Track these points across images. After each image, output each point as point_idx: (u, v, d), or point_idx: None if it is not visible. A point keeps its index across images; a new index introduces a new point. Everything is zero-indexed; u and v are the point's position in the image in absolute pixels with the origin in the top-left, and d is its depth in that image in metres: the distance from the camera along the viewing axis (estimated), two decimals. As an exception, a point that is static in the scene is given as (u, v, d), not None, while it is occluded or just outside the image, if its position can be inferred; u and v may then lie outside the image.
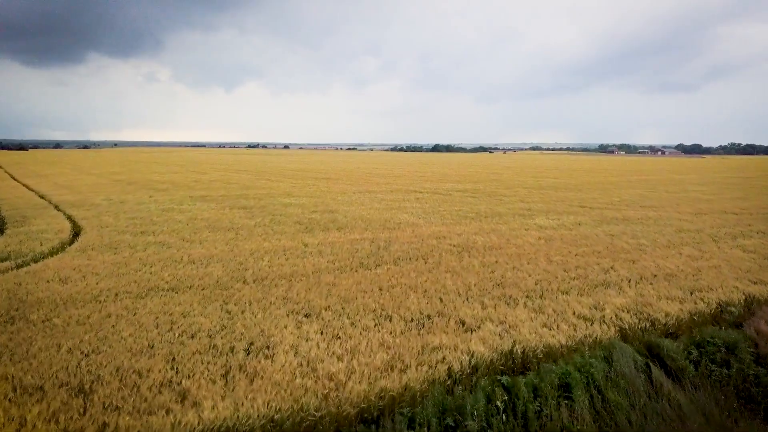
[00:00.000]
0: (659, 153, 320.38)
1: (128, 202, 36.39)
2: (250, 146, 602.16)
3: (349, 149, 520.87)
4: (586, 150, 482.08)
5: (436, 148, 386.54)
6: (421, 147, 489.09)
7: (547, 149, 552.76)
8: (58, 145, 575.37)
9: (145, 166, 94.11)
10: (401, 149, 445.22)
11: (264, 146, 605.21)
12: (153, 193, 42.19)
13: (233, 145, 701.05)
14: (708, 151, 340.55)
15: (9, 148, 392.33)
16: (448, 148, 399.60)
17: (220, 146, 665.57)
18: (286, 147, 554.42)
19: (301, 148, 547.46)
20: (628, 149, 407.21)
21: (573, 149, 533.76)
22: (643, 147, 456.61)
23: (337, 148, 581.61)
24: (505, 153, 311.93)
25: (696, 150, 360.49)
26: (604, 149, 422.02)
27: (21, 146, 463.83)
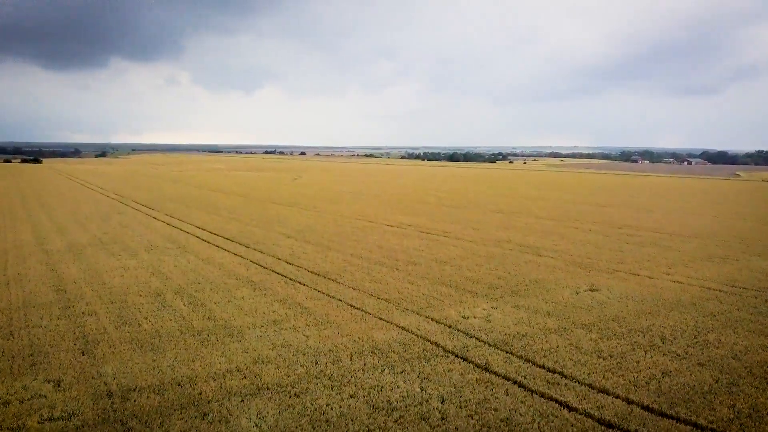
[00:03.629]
0: (684, 162, 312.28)
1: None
2: (267, 152, 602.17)
3: (366, 155, 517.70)
4: (607, 157, 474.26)
5: (454, 157, 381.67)
6: (439, 154, 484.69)
7: (567, 155, 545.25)
8: (77, 150, 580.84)
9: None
10: (418, 156, 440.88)
11: (281, 151, 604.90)
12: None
13: (250, 150, 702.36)
14: (735, 160, 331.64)
15: (26, 153, 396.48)
16: (466, 156, 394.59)
17: (237, 151, 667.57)
18: (302, 153, 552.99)
19: (317, 153, 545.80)
20: (652, 156, 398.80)
21: (593, 155, 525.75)
22: (667, 154, 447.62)
23: (353, 153, 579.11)
24: (525, 163, 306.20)
25: (722, 158, 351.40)
26: (626, 157, 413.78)
27: (40, 152, 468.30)
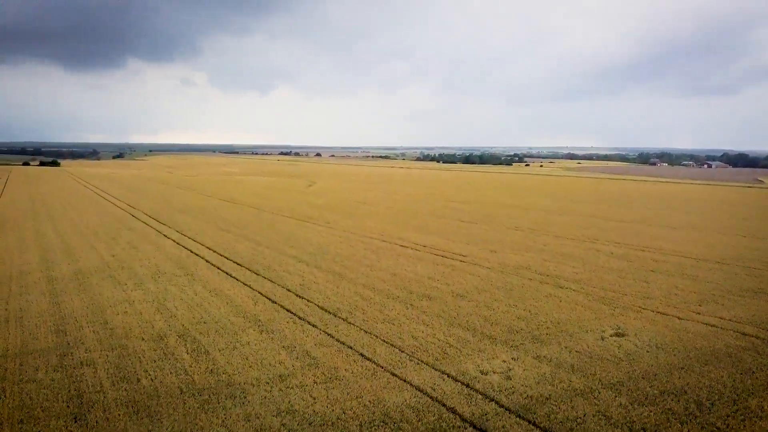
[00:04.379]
0: (704, 165, 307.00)
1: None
2: (283, 153, 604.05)
3: (380, 156, 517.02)
4: (624, 159, 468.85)
5: (469, 159, 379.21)
6: (454, 155, 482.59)
7: (583, 156, 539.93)
8: (95, 150, 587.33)
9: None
10: (433, 158, 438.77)
11: (296, 152, 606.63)
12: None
13: (265, 150, 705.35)
14: (756, 162, 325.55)
15: (45, 154, 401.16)
16: (482, 158, 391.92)
17: (253, 152, 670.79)
18: (317, 154, 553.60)
19: (332, 155, 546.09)
20: (670, 159, 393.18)
21: (610, 157, 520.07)
22: (685, 156, 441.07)
23: (368, 155, 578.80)
24: (541, 166, 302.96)
25: (742, 161, 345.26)
26: (644, 159, 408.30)
27: (59, 153, 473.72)
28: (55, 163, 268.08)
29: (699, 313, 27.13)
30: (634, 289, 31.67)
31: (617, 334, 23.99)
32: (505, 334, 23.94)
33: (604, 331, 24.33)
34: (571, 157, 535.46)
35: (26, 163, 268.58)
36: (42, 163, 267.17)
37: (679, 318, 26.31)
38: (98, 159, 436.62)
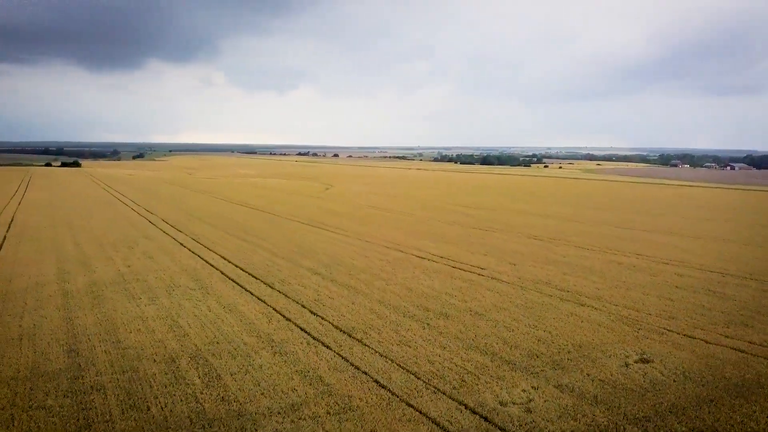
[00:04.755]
0: (727, 167, 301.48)
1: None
2: (301, 153, 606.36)
3: (397, 157, 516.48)
4: (644, 160, 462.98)
5: (487, 160, 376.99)
6: (472, 156, 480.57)
7: (602, 157, 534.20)
8: (116, 150, 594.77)
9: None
10: (450, 159, 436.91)
11: (314, 153, 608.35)
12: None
13: (284, 151, 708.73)
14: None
15: (68, 154, 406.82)
16: (500, 159, 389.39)
17: (271, 152, 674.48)
18: (335, 155, 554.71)
19: (350, 155, 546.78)
20: (692, 160, 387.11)
21: (630, 158, 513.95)
22: (707, 157, 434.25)
23: (385, 155, 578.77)
24: (560, 167, 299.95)
25: (766, 162, 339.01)
26: (665, 160, 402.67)
27: (81, 153, 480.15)
28: (76, 164, 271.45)
29: (727, 336, 26.09)
30: (658, 308, 30.66)
31: (642, 360, 23.10)
32: (525, 359, 23.18)
33: (628, 357, 23.46)
34: (590, 157, 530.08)
35: (48, 164, 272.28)
36: (63, 164, 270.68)
37: (706, 342, 25.30)
38: (119, 159, 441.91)
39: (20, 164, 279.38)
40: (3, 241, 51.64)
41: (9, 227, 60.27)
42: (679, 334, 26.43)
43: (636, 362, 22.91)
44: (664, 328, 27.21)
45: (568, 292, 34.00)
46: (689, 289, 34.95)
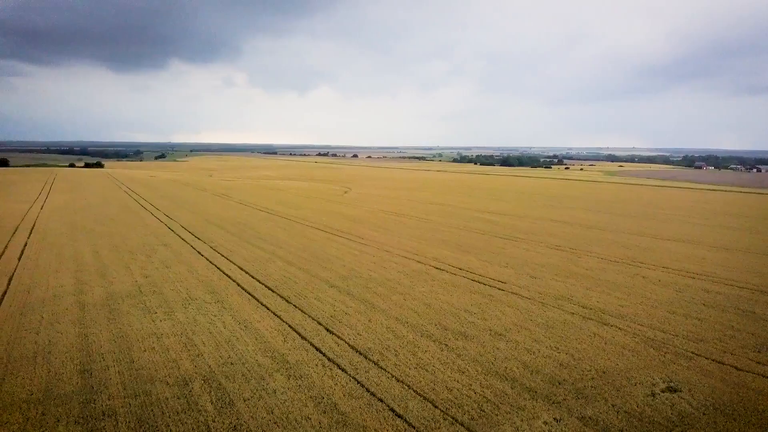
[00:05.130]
0: (753, 170, 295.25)
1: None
2: (320, 153, 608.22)
3: (417, 158, 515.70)
4: (667, 161, 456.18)
5: (507, 161, 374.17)
6: (491, 156, 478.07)
7: (624, 158, 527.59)
8: (138, 151, 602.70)
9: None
10: (470, 160, 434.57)
11: (334, 153, 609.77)
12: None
13: (303, 151, 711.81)
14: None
15: (92, 154, 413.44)
16: (520, 160, 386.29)
17: (291, 152, 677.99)
18: (354, 155, 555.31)
19: (369, 156, 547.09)
20: (717, 162, 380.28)
21: (652, 159, 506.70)
22: (732, 158, 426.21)
23: (404, 156, 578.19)
24: (582, 169, 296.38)
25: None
26: (689, 162, 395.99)
27: (104, 153, 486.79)
28: (99, 165, 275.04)
29: (759, 363, 25.04)
30: (686, 329, 29.62)
31: (669, 389, 22.18)
32: (546, 385, 22.39)
33: (654, 385, 22.56)
34: (612, 158, 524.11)
35: (72, 164, 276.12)
36: (87, 165, 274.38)
37: (736, 368, 24.29)
38: (141, 159, 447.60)
39: (45, 165, 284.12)
40: (24, 248, 52.03)
41: (30, 233, 60.79)
42: (707, 359, 25.43)
43: (663, 391, 22.01)
44: (692, 352, 26.21)
45: (590, 309, 33.05)
46: (717, 307, 33.78)
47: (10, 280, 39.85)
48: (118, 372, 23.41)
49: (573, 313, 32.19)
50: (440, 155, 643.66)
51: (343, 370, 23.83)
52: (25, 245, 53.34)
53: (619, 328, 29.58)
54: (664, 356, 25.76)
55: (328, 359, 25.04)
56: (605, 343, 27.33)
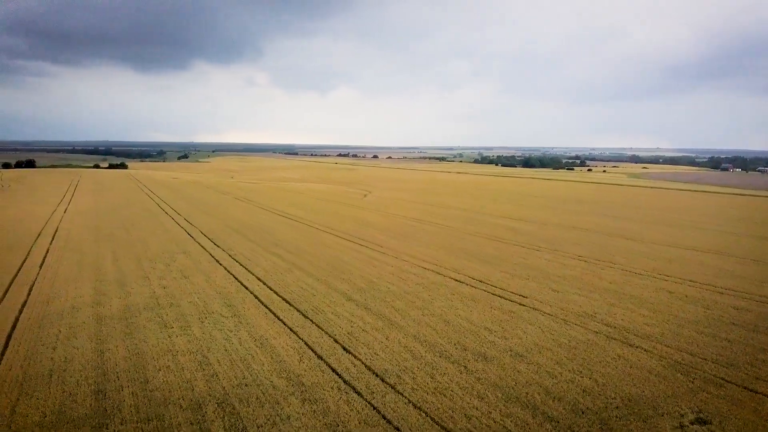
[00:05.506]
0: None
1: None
2: (341, 154, 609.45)
3: (437, 158, 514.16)
4: (692, 163, 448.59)
5: (529, 162, 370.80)
6: (513, 157, 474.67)
7: (648, 159, 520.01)
8: (161, 151, 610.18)
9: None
10: (491, 161, 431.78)
11: (354, 154, 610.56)
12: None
13: (324, 151, 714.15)
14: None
15: (116, 154, 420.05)
16: (542, 161, 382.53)
17: (312, 153, 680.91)
18: (375, 156, 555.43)
19: (389, 156, 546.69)
20: (744, 164, 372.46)
21: (677, 160, 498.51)
22: (760, 160, 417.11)
23: (425, 156, 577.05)
24: (605, 171, 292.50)
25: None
26: (715, 164, 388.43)
27: (128, 153, 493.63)
28: (122, 166, 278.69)
29: (794, 391, 23.90)
30: (715, 351, 28.53)
31: (698, 420, 21.25)
32: (569, 415, 21.60)
33: (683, 416, 21.63)
34: (636, 159, 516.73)
35: (96, 165, 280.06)
36: (111, 165, 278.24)
37: (770, 398, 23.22)
38: (164, 160, 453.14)
39: (70, 165, 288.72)
40: (46, 254, 52.50)
41: (53, 238, 61.42)
42: (738, 386, 24.38)
43: (692, 423, 21.09)
44: (722, 378, 25.18)
45: (615, 328, 32.07)
46: (748, 327, 32.55)
47: (30, 289, 40.14)
48: (132, 393, 23.17)
49: (597, 332, 31.26)
50: (461, 155, 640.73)
51: (359, 394, 23.30)
52: (47, 252, 53.83)
53: (645, 350, 28.60)
54: (693, 382, 24.78)
55: (344, 381, 24.54)
56: (630, 367, 26.41)
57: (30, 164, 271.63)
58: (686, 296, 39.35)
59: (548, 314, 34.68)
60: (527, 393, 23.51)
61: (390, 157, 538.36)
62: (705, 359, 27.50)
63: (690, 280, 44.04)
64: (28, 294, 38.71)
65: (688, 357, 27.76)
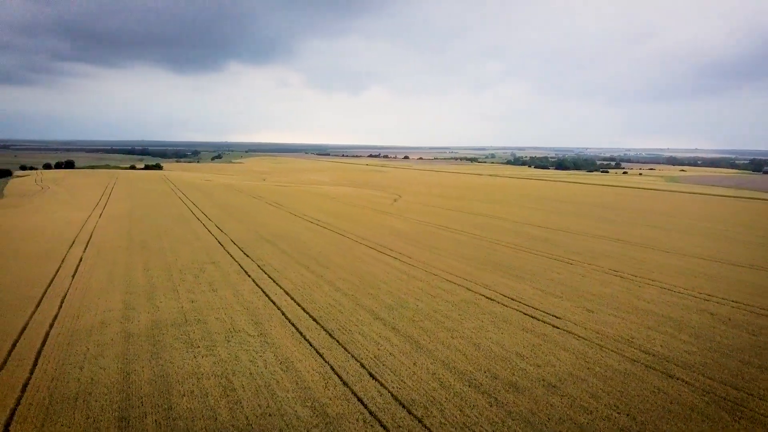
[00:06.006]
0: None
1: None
2: (372, 155, 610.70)
3: (468, 159, 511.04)
4: (733, 165, 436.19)
5: (562, 164, 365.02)
6: (546, 158, 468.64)
7: (686, 161, 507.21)
8: (196, 151, 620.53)
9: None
10: (524, 162, 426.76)
11: (385, 155, 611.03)
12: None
13: (355, 152, 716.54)
14: None
15: (152, 154, 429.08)
16: (575, 163, 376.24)
17: (343, 153, 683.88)
18: (405, 157, 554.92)
19: (420, 158, 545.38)
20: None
21: (716, 162, 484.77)
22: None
23: (456, 157, 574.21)
24: (641, 174, 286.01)
25: None
26: (756, 166, 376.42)
27: (164, 153, 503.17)
28: (158, 167, 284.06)
29: None
30: (763, 385, 27.00)
31: None
32: None
33: None
34: (673, 161, 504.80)
35: (132, 166, 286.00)
36: (146, 166, 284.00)
37: (824, 443, 21.70)
38: (198, 160, 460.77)
39: (108, 166, 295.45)
40: (79, 263, 53.16)
41: (86, 246, 62.27)
42: (789, 428, 22.88)
43: (739, 472, 19.76)
44: (771, 419, 23.68)
45: (653, 356, 30.67)
46: (798, 357, 30.77)
47: (62, 301, 40.50)
48: (155, 421, 22.92)
49: (634, 361, 29.92)
50: (493, 156, 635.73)
51: (384, 428, 22.59)
52: (80, 261, 54.51)
53: (686, 382, 27.22)
54: (739, 422, 23.39)
55: (370, 412, 23.88)
56: (671, 403, 25.09)
57: (69, 165, 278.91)
58: (729, 319, 37.56)
59: (582, 338, 33.43)
60: (560, 431, 22.45)
61: (421, 158, 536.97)
62: (751, 395, 26.01)
63: (733, 301, 42.10)
64: (60, 307, 39.04)
65: (732, 392, 26.29)
